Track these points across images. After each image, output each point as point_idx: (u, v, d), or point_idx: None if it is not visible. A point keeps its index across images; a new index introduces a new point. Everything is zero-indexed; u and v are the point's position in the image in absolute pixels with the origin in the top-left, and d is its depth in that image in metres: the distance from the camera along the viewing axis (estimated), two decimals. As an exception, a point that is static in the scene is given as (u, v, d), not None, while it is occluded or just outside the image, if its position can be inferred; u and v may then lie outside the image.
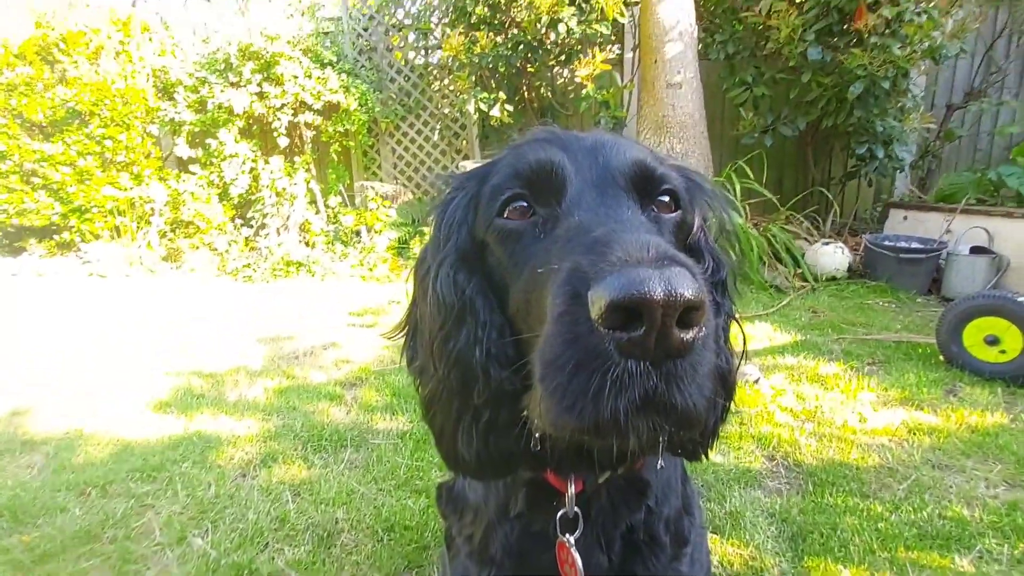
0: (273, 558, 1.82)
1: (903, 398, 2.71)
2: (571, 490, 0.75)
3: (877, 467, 2.19)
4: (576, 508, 0.77)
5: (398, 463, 2.29)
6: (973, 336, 2.91)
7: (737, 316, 0.83)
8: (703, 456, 0.77)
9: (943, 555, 1.73)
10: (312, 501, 2.08)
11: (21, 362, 3.46)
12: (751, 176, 5.01)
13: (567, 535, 0.77)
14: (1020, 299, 2.79)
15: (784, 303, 4.20)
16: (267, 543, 1.89)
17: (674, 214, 0.71)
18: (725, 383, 0.73)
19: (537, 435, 0.59)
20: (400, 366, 3.24)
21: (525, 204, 0.68)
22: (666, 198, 0.71)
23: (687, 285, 0.43)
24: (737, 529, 1.88)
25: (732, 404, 0.77)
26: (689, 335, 0.45)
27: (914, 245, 4.61)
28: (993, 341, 2.84)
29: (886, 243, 4.66)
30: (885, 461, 2.23)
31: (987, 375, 2.83)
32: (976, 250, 4.28)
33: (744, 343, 0.83)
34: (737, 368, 0.79)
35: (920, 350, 3.24)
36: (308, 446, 2.45)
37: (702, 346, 0.47)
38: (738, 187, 4.85)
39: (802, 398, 2.76)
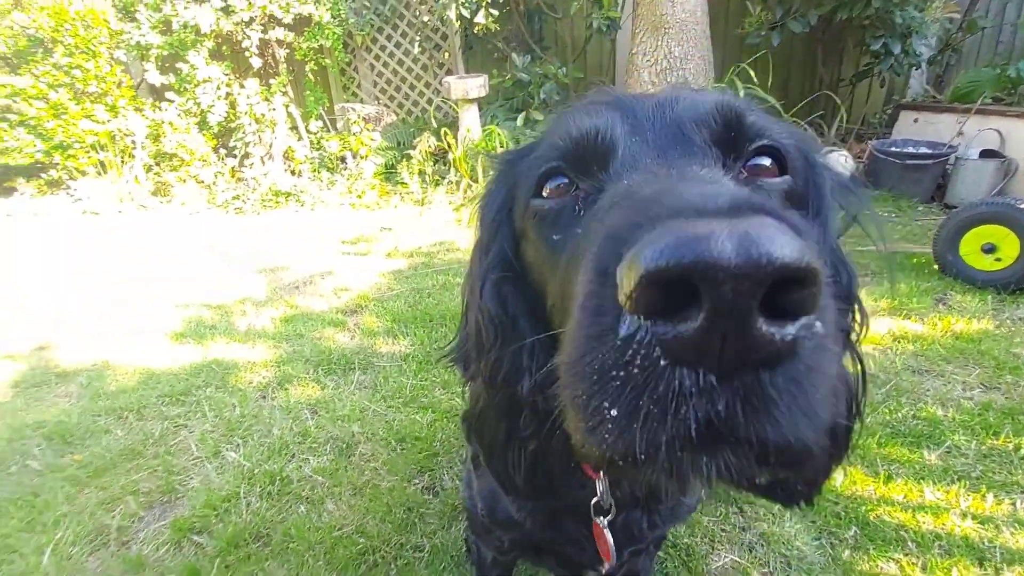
0: (300, 467, 2.01)
1: (892, 308, 2.79)
2: (604, 484, 0.72)
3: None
4: (610, 494, 0.74)
5: (403, 383, 2.43)
6: (971, 244, 2.91)
7: (857, 342, 0.64)
8: (804, 504, 0.61)
9: (913, 450, 1.88)
10: (329, 418, 2.24)
11: (35, 300, 3.55)
12: (755, 80, 4.75)
13: (600, 517, 0.76)
14: (1022, 206, 2.76)
15: (784, 216, 4.17)
16: (293, 454, 2.07)
17: (777, 180, 0.53)
18: (844, 406, 0.56)
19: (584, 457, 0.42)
20: (397, 293, 3.33)
21: (566, 180, 0.55)
22: (766, 160, 0.53)
23: (779, 242, 0.26)
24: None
25: (847, 448, 0.62)
26: (788, 330, 0.28)
27: (922, 150, 4.46)
28: (990, 249, 2.85)
29: (892, 149, 4.51)
30: (867, 369, 2.34)
31: (979, 283, 2.87)
32: (986, 154, 4.15)
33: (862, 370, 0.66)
34: (857, 404, 0.62)
35: (915, 260, 3.27)
36: (319, 369, 2.58)
37: (814, 346, 0.29)
38: (741, 92, 4.61)
39: (794, 310, 2.83)
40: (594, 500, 0.74)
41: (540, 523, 0.87)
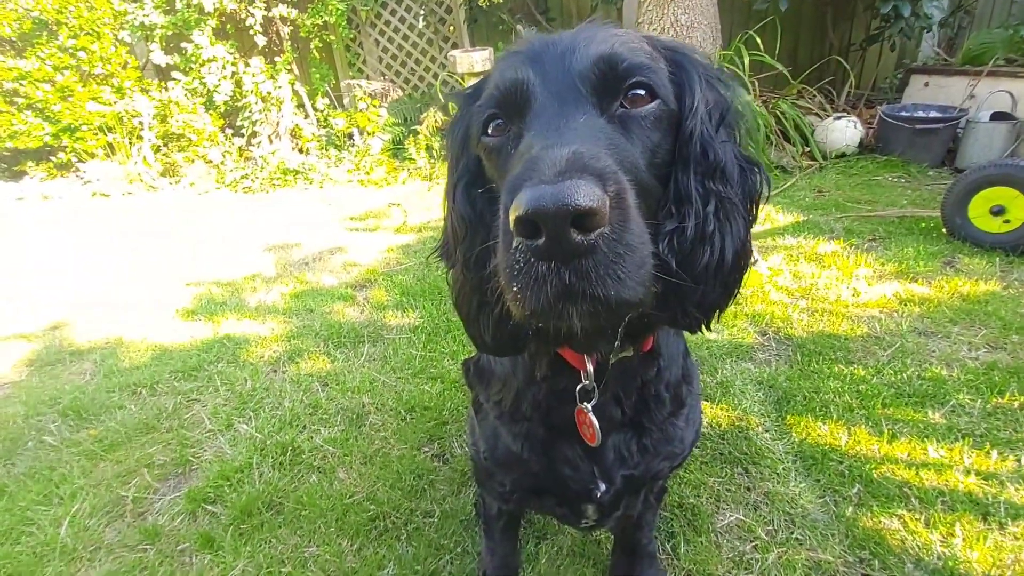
0: (311, 437, 2.05)
1: (899, 271, 2.78)
2: (589, 367, 0.87)
3: (865, 336, 2.32)
4: (593, 380, 0.88)
5: (412, 354, 2.47)
6: (979, 207, 2.89)
7: (754, 203, 0.78)
8: (702, 329, 0.78)
9: (917, 410, 1.90)
10: (339, 390, 2.29)
11: (48, 281, 3.60)
12: (762, 47, 4.64)
13: (585, 403, 0.90)
14: (1033, 167, 2.72)
15: (788, 184, 4.13)
16: (304, 426, 2.12)
17: (649, 106, 0.69)
18: (724, 268, 0.72)
19: (516, 319, 0.63)
20: (406, 267, 3.35)
21: (502, 121, 0.74)
22: (640, 91, 0.69)
23: (580, 195, 0.48)
24: (727, 396, 2.05)
25: (736, 287, 0.77)
26: (589, 237, 0.50)
27: (932, 114, 4.37)
28: (999, 211, 2.83)
29: (902, 114, 4.42)
30: (873, 331, 2.35)
31: (988, 245, 2.86)
32: (998, 116, 4.06)
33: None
34: (742, 255, 0.76)
35: (923, 224, 3.24)
36: (329, 343, 2.62)
37: (615, 242, 0.52)
38: (747, 60, 4.50)
39: (798, 277, 2.83)
40: (579, 386, 0.89)
41: (536, 448, 0.99)
